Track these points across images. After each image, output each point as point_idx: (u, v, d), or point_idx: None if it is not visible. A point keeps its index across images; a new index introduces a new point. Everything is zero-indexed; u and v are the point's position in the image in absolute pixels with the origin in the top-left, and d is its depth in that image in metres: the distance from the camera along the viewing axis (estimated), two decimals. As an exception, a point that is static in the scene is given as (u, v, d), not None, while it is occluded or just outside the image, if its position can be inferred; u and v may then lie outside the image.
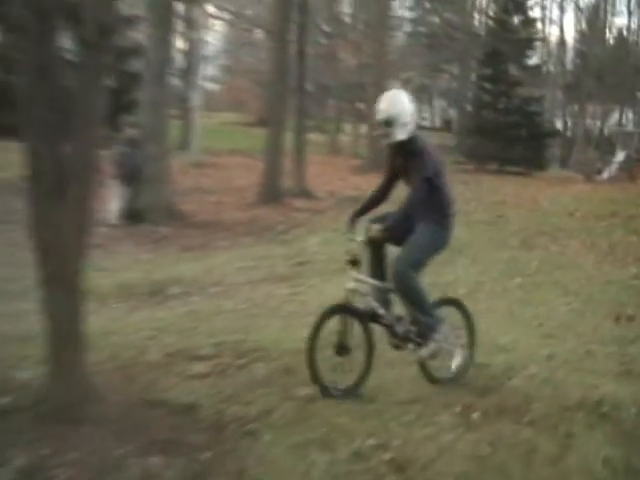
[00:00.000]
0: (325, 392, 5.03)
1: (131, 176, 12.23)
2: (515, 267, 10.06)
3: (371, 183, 19.34)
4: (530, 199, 17.59)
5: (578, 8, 45.52)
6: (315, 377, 5.02)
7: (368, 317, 5.25)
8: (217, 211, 14.23)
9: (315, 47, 31.15)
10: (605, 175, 27.46)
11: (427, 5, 45.32)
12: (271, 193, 15.78)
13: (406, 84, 47.86)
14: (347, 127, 32.73)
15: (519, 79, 29.66)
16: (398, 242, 5.26)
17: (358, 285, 5.22)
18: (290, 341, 6.31)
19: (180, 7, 24.52)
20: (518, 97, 29.25)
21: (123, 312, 7.11)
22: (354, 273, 5.21)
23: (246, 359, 5.76)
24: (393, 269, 5.19)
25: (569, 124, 44.09)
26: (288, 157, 17.25)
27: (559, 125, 40.60)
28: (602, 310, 8.10)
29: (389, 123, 5.11)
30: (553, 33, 48.42)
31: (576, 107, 42.09)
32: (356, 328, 5.21)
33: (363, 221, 5.38)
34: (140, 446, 4.15)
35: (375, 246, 5.34)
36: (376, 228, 5.19)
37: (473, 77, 37.92)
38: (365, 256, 5.37)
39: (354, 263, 5.20)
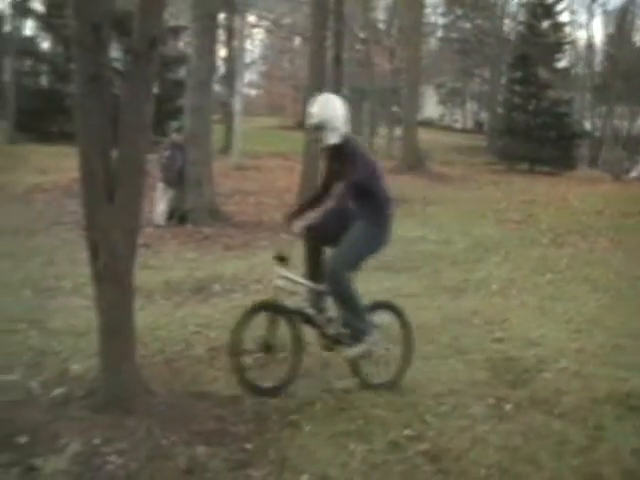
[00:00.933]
0: (249, 390, 4.96)
1: (176, 179, 12.49)
2: (545, 264, 10.10)
3: (405, 183, 19.44)
4: (560, 198, 17.52)
5: (606, 12, 45.09)
6: (238, 374, 4.95)
7: (297, 316, 5.15)
8: (258, 212, 14.40)
9: (351, 53, 31.27)
10: (633, 174, 27.26)
11: (459, 12, 45.22)
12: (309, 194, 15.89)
13: (439, 88, 47.85)
14: (382, 130, 32.75)
15: (548, 82, 29.54)
16: (333, 243, 5.16)
17: (285, 283, 5.10)
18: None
19: (222, 17, 24.84)
20: (547, 99, 29.15)
21: (169, 308, 7.27)
22: (281, 270, 5.09)
23: (286, 353, 5.91)
24: (327, 269, 5.10)
25: (598, 125, 43.58)
26: (325, 159, 17.36)
27: (588, 126, 40.15)
28: (630, 305, 8.15)
29: (320, 127, 5.07)
30: (581, 37, 47.93)
31: (604, 108, 41.63)
32: (284, 327, 5.13)
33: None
34: (186, 436, 4.31)
35: (311, 247, 5.28)
36: (299, 225, 5.23)
37: (504, 80, 37.84)
38: (302, 256, 5.32)
39: (281, 260, 5.09)
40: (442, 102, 52.54)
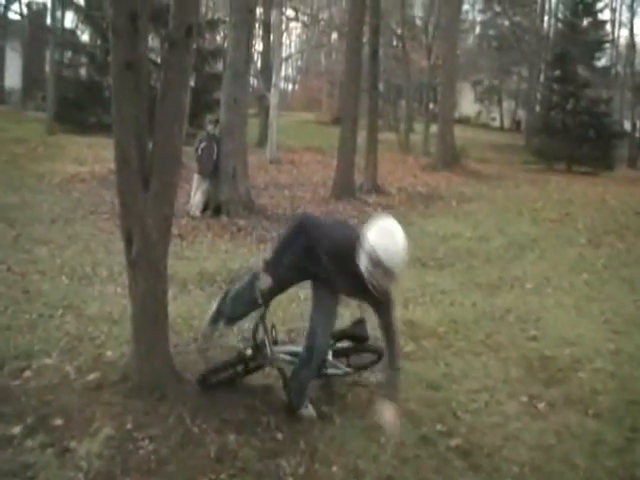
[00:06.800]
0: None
1: (211, 171, 12.53)
2: (582, 264, 9.94)
3: (441, 180, 19.35)
4: (597, 198, 17.30)
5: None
6: None
7: None
8: (292, 205, 14.42)
9: (388, 49, 31.18)
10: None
11: (497, 8, 44.83)
12: (344, 188, 15.91)
13: (476, 85, 47.50)
14: (418, 126, 32.66)
15: (588, 80, 29.15)
16: None
17: None
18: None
19: (260, 10, 24.96)
20: (586, 98, 28.72)
21: (203, 298, 7.23)
22: None
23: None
24: None
25: (638, 125, 42.65)
26: (361, 154, 17.37)
27: (628, 126, 39.34)
28: (670, 308, 7.93)
29: None
30: (623, 35, 46.98)
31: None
32: None
33: None
34: (217, 424, 4.35)
35: None
36: None
37: (542, 78, 37.47)
38: None
39: None
40: (479, 100, 52.11)
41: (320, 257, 4.27)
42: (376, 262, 3.88)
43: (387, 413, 3.98)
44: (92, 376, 4.91)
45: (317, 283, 4.55)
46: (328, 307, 4.57)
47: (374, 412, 4.12)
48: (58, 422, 4.23)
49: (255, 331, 4.74)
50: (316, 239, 4.25)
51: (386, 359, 4.26)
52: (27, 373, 4.97)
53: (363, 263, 3.96)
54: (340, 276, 4.27)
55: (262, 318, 4.69)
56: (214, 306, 4.90)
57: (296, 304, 6.94)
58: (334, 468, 4.02)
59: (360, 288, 4.11)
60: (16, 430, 4.10)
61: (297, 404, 4.63)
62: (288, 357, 4.79)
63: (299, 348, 4.80)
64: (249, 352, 4.77)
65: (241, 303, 4.76)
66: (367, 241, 3.94)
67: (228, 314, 4.89)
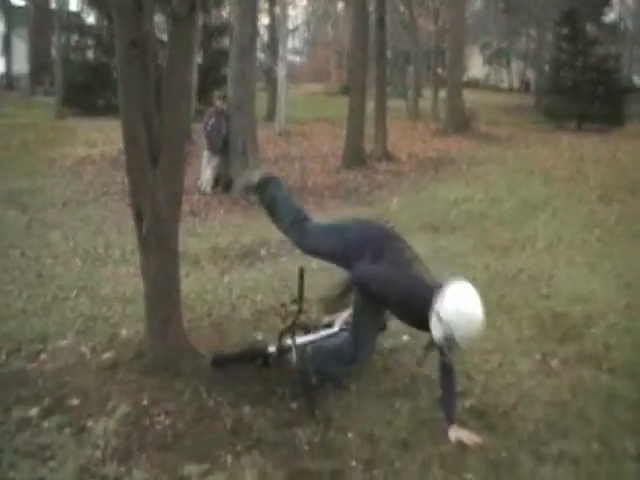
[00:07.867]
0: None
1: (221, 147, 12.54)
2: (594, 221, 9.89)
3: (451, 145, 19.20)
4: (609, 155, 17.13)
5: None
6: None
7: None
8: (303, 177, 14.39)
9: (394, 15, 30.82)
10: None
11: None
12: (354, 157, 15.85)
13: (484, 48, 46.92)
14: (427, 92, 32.35)
15: (596, 37, 28.75)
16: None
17: None
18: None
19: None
20: (595, 55, 28.34)
21: (216, 273, 7.31)
22: None
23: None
24: None
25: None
26: (370, 123, 17.28)
27: (638, 81, 38.70)
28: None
29: None
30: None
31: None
32: None
33: None
34: (232, 397, 4.38)
35: None
36: None
37: (550, 38, 36.97)
38: None
39: None
40: (488, 62, 51.56)
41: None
42: (449, 337, 3.73)
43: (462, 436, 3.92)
44: (107, 355, 4.97)
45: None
46: (375, 317, 4.42)
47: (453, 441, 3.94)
48: (75, 402, 4.29)
49: (283, 334, 4.73)
50: (380, 291, 4.09)
51: (444, 412, 4.10)
52: (43, 355, 5.04)
53: (434, 328, 3.79)
54: (404, 315, 4.21)
55: (294, 324, 4.72)
56: (255, 178, 4.92)
57: (309, 275, 6.93)
58: (349, 435, 4.04)
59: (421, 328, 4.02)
60: (33, 412, 4.16)
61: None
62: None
63: (318, 335, 4.85)
64: (272, 349, 4.75)
65: (279, 207, 4.81)
66: (444, 312, 3.73)
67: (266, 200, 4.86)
